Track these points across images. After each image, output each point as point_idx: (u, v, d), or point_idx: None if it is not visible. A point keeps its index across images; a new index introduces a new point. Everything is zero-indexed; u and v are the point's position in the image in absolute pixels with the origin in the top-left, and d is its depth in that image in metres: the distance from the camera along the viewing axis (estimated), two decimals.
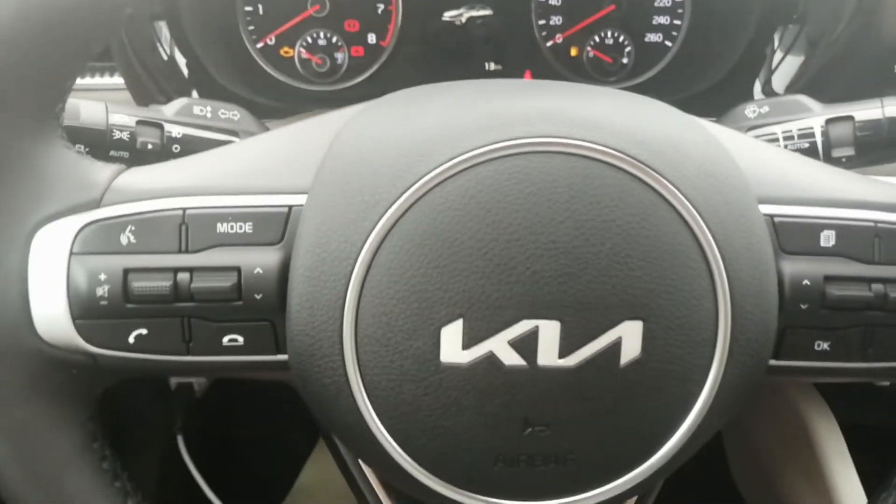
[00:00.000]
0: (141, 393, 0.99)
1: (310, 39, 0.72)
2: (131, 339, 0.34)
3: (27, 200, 0.34)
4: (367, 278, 0.32)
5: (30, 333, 0.34)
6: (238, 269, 0.34)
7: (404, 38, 0.73)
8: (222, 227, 0.34)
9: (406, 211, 0.32)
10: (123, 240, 0.34)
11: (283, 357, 0.35)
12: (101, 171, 0.35)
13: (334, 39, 0.72)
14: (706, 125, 0.37)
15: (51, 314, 0.34)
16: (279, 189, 0.35)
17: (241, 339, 0.35)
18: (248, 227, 0.34)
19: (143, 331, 0.34)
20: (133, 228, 0.34)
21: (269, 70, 0.72)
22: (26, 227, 0.33)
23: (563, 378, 0.32)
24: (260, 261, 0.34)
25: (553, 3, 0.72)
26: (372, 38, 0.73)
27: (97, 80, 0.65)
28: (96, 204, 0.34)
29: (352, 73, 0.73)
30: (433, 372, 0.32)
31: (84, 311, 0.34)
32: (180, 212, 0.34)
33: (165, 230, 0.34)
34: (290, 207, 0.35)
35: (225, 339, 0.35)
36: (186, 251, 0.34)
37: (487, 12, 0.71)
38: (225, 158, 0.37)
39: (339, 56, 0.73)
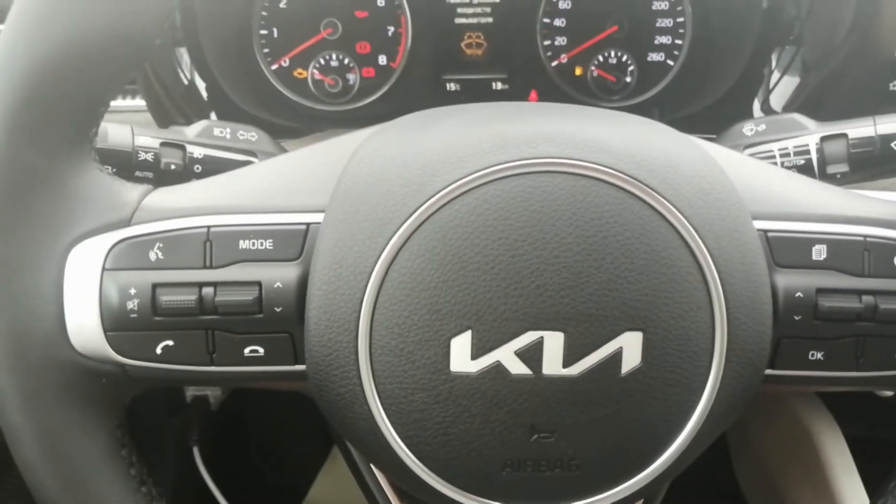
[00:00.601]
0: (157, 404, 1.01)
1: (322, 61, 0.75)
2: (158, 350, 0.36)
3: (63, 219, 0.36)
4: (380, 292, 0.34)
5: (64, 344, 0.36)
6: (259, 284, 0.36)
7: (414, 60, 0.75)
8: (244, 244, 0.36)
9: (417, 228, 0.34)
10: (152, 256, 0.36)
11: (301, 367, 0.37)
12: (131, 192, 0.38)
13: (346, 61, 0.75)
14: (702, 144, 0.39)
15: (84, 326, 0.36)
16: (298, 207, 0.37)
17: (261, 351, 0.37)
18: (268, 244, 0.36)
19: (170, 342, 0.36)
20: (161, 245, 0.36)
21: (283, 91, 0.75)
22: (62, 245, 0.36)
23: (567, 386, 0.34)
24: (280, 276, 0.36)
25: (558, 24, 0.75)
26: (383, 60, 0.75)
27: (120, 103, 0.68)
28: (127, 222, 0.37)
29: (363, 93, 0.76)
30: (443, 381, 0.34)
31: (115, 323, 0.36)
32: (205, 229, 0.36)
33: (191, 247, 0.36)
34: (308, 225, 0.37)
35: (246, 351, 0.37)
36: (211, 266, 0.36)
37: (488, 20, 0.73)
38: (247, 178, 0.39)
39: (351, 77, 0.75)
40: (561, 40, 0.75)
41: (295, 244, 0.37)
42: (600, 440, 0.35)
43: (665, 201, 0.34)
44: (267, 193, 0.38)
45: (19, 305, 0.35)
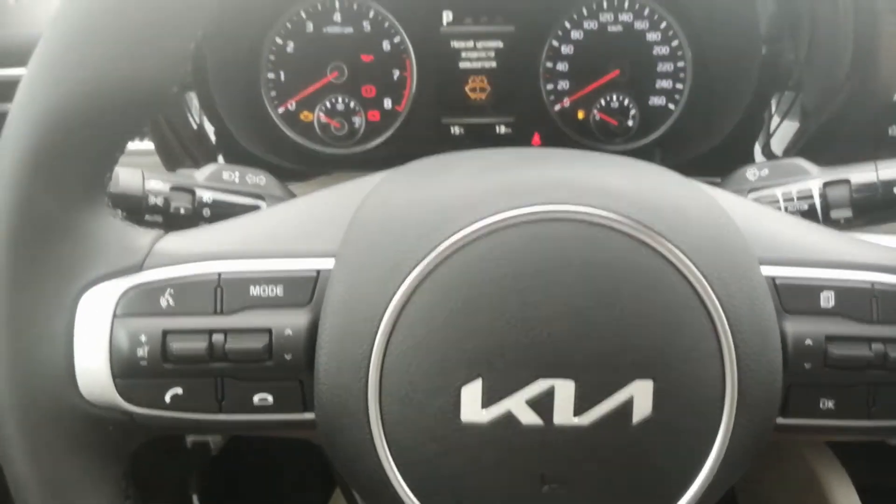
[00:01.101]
0: (156, 450, 1.00)
1: (329, 104, 0.76)
2: (167, 398, 0.36)
3: (75, 265, 0.36)
4: (390, 339, 0.34)
5: (72, 391, 0.36)
6: (269, 331, 0.36)
7: (418, 103, 0.76)
8: (255, 290, 0.36)
9: (428, 275, 0.34)
10: (163, 303, 0.36)
11: (310, 415, 0.37)
12: (143, 237, 0.38)
13: (352, 104, 0.76)
14: (708, 190, 0.40)
15: (92, 373, 0.36)
16: (308, 253, 0.37)
17: (270, 399, 0.36)
18: (279, 290, 0.36)
19: (179, 390, 0.36)
20: (172, 292, 0.36)
21: (289, 134, 0.76)
22: (74, 290, 0.36)
23: (578, 436, 0.34)
24: (290, 322, 0.36)
25: (560, 68, 0.76)
26: (388, 104, 0.76)
27: (129, 145, 0.69)
28: (138, 268, 0.37)
29: (369, 136, 0.77)
30: (454, 430, 0.34)
31: (124, 370, 0.36)
32: (216, 276, 0.36)
33: (202, 293, 0.36)
34: (318, 271, 0.37)
35: (255, 398, 0.36)
36: (221, 313, 0.36)
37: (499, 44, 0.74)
38: (258, 224, 0.39)
39: (357, 120, 0.76)
40: (563, 84, 0.76)
41: (305, 290, 0.37)
42: (612, 491, 0.35)
43: (674, 248, 0.35)
44: (277, 239, 0.38)
45: (29, 352, 0.35)
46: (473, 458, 0.34)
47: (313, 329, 0.36)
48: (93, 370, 0.36)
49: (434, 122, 0.77)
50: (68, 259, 0.36)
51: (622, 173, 0.38)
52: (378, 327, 0.34)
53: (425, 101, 0.76)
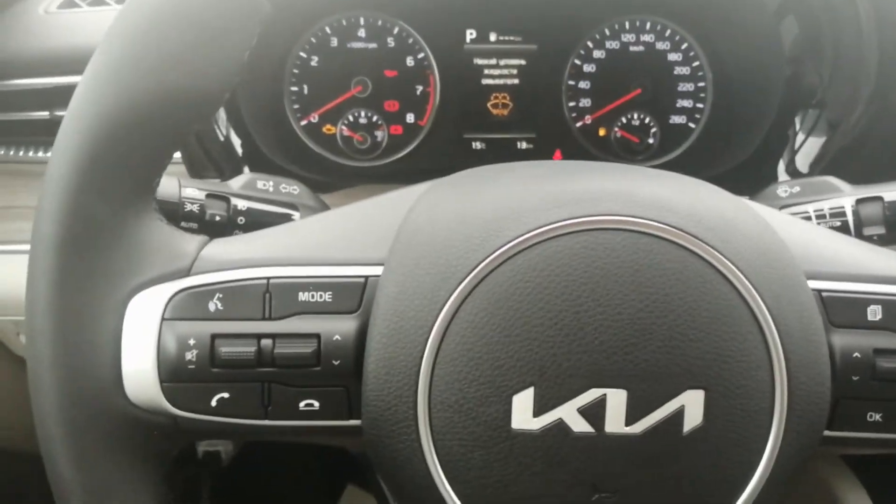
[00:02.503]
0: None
1: (351, 118, 0.76)
2: (213, 403, 0.36)
3: (124, 269, 0.36)
4: (441, 346, 0.34)
5: (118, 394, 0.35)
6: (318, 336, 0.36)
7: (441, 118, 0.77)
8: (303, 296, 0.36)
9: (479, 282, 0.34)
10: (211, 307, 0.36)
11: (355, 422, 0.37)
12: (190, 243, 0.38)
13: (375, 118, 0.76)
14: (752, 204, 0.40)
15: (139, 376, 0.35)
16: (356, 260, 0.37)
17: (317, 405, 0.36)
18: (327, 297, 0.36)
19: (226, 394, 0.36)
20: (220, 296, 0.36)
21: (312, 146, 0.76)
22: (122, 294, 0.36)
23: (629, 445, 0.34)
24: (338, 328, 0.36)
25: (583, 86, 0.77)
26: (410, 118, 0.77)
27: None
28: (186, 272, 0.37)
29: (391, 150, 0.77)
30: (504, 438, 0.34)
31: (171, 374, 0.35)
32: (264, 281, 0.36)
33: (250, 298, 0.36)
34: (366, 278, 0.37)
35: (301, 404, 0.36)
36: (270, 318, 0.36)
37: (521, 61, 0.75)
38: (304, 231, 0.39)
39: (379, 134, 0.77)
40: (585, 102, 0.77)
41: (353, 297, 0.36)
42: (661, 500, 0.34)
43: (725, 260, 0.35)
44: (325, 246, 0.38)
45: (76, 354, 0.35)
46: (523, 467, 0.34)
47: (361, 336, 0.36)
48: (139, 373, 0.35)
49: (456, 137, 0.78)
50: (118, 263, 0.36)
51: (671, 185, 0.38)
52: (429, 334, 0.34)
53: (448, 116, 0.77)
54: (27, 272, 0.36)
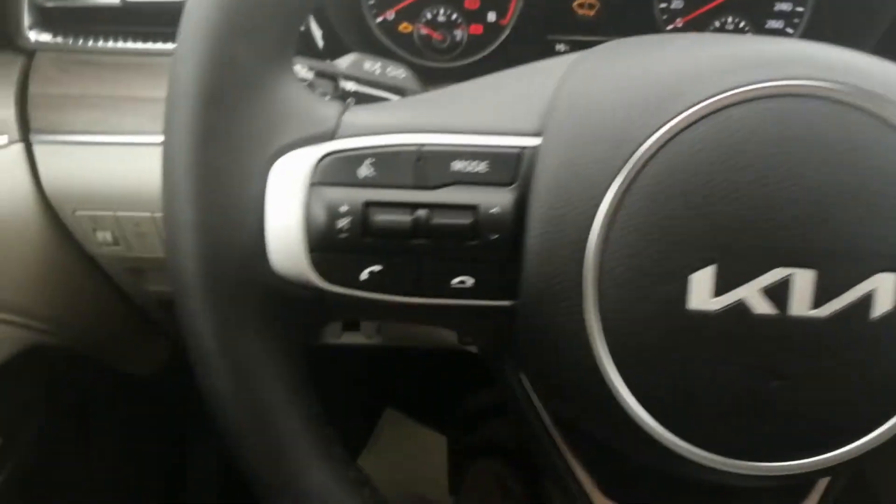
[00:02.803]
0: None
1: (429, 15, 0.72)
2: (364, 276, 0.34)
3: (269, 127, 0.33)
4: (613, 220, 0.32)
5: (262, 264, 0.33)
6: (475, 208, 0.33)
7: (524, 17, 0.72)
8: (458, 165, 0.34)
9: (657, 151, 0.32)
10: (362, 173, 0.33)
11: (506, 303, 0.34)
12: (329, 107, 0.35)
13: (454, 16, 0.72)
14: None
15: (286, 245, 0.33)
16: (510, 130, 0.34)
17: (470, 282, 0.34)
18: (483, 166, 0.34)
19: (378, 267, 0.33)
20: (372, 161, 0.33)
21: (388, 44, 0.72)
22: (268, 154, 0.33)
23: (814, 329, 0.32)
24: (496, 200, 0.33)
25: None
26: (492, 17, 0.72)
27: None
28: (331, 136, 0.34)
29: (470, 50, 0.73)
30: (678, 318, 0.32)
31: (320, 242, 0.33)
32: (416, 147, 0.34)
33: (403, 165, 0.33)
34: (522, 148, 0.34)
35: (454, 281, 0.34)
36: (424, 187, 0.33)
37: None
38: (453, 98, 0.36)
39: (458, 33, 0.73)
40: (678, 3, 0.72)
41: (510, 168, 0.34)
42: (843, 387, 0.33)
43: None
44: (478, 114, 0.35)
45: (219, 218, 0.33)
46: (698, 349, 0.32)
47: (519, 209, 0.33)
48: (286, 243, 0.33)
49: (539, 38, 0.73)
50: (262, 121, 0.33)
51: (863, 57, 0.35)
52: (598, 208, 0.32)
53: (531, 16, 0.72)
54: (164, 128, 0.33)
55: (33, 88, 0.61)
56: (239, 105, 0.33)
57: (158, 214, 0.62)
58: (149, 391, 0.93)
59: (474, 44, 0.73)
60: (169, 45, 0.64)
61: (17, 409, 0.65)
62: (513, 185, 0.34)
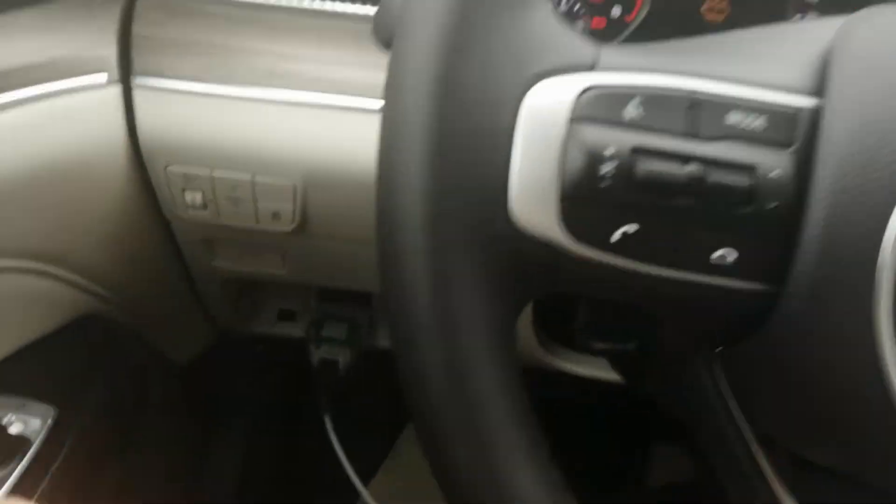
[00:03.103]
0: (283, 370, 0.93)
1: (550, 4, 0.68)
2: (616, 236, 0.28)
3: (523, 48, 0.29)
4: None
5: (499, 210, 0.28)
6: (753, 169, 0.28)
7: (650, 16, 0.68)
8: (734, 118, 0.29)
9: None
10: (628, 113, 0.28)
11: (770, 288, 0.29)
12: (584, 40, 0.31)
13: (576, 7, 0.68)
14: None
15: (533, 190, 0.28)
16: (789, 87, 0.30)
17: (732, 256, 0.29)
18: (761, 122, 0.29)
19: (633, 227, 0.28)
20: (641, 101, 0.28)
21: None
22: (522, 79, 0.28)
23: None
24: (776, 163, 0.28)
25: None
26: (616, 11, 0.68)
27: None
28: (592, 68, 0.29)
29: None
30: None
31: (576, 190, 0.28)
32: (688, 93, 0.29)
33: (674, 110, 0.29)
34: (798, 109, 0.29)
35: (714, 255, 0.29)
36: (697, 137, 0.28)
37: None
38: (724, 46, 0.32)
39: (579, 24, 0.68)
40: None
41: (788, 129, 0.29)
42: None
43: None
44: (754, 65, 0.30)
45: (458, 146, 0.27)
46: None
47: (801, 176, 0.28)
48: (534, 185, 0.28)
49: (662, 39, 0.69)
50: (515, 40, 0.28)
51: None
52: None
53: (657, 15, 0.68)
54: (396, 41, 0.28)
55: (137, 29, 0.55)
56: (490, 22, 0.28)
57: (259, 178, 0.56)
58: (179, 380, 0.87)
59: (594, 37, 0.69)
60: (283, 2, 0.59)
61: (72, 380, 0.58)
62: (793, 147, 0.29)
